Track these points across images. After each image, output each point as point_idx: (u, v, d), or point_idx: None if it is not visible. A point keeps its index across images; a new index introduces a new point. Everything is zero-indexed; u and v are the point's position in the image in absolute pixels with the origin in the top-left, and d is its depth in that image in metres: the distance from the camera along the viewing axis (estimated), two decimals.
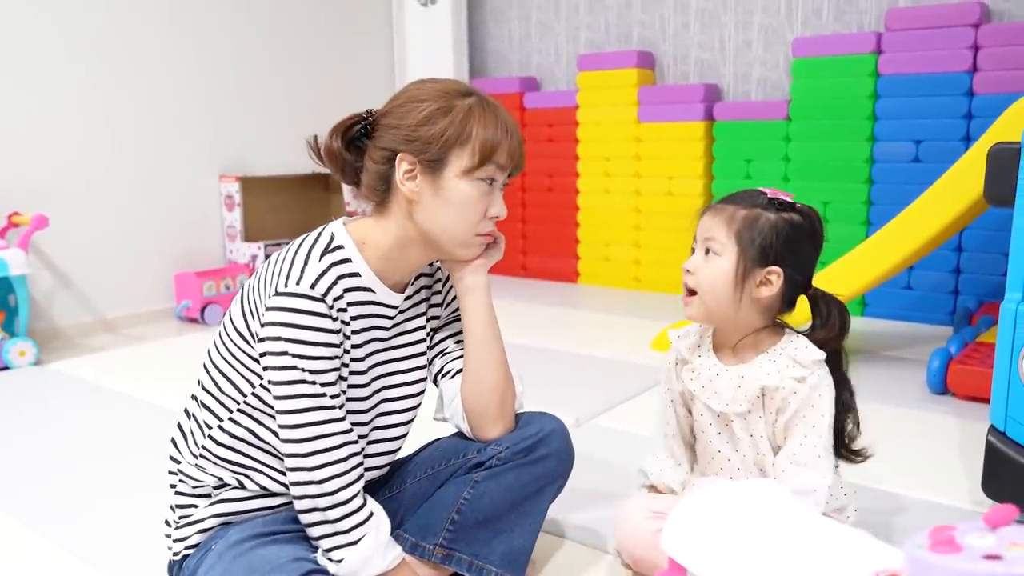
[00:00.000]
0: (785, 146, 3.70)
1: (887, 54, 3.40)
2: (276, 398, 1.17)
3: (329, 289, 1.17)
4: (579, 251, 4.47)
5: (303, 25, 4.33)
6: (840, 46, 3.50)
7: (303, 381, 1.15)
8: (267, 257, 3.81)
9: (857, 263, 2.76)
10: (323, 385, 1.17)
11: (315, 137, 1.30)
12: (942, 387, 2.46)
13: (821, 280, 2.60)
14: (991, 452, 1.64)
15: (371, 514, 1.22)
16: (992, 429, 1.65)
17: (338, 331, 1.18)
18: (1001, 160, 1.66)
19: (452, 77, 4.57)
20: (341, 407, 1.20)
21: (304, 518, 1.21)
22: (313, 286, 1.16)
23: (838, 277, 2.71)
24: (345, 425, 1.19)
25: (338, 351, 1.19)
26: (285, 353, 1.14)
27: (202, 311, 3.62)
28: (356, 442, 1.22)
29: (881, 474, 1.92)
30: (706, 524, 0.98)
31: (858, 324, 3.43)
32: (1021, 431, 1.60)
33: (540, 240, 4.62)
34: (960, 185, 2.49)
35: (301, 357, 1.14)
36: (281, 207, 4.16)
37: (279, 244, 3.92)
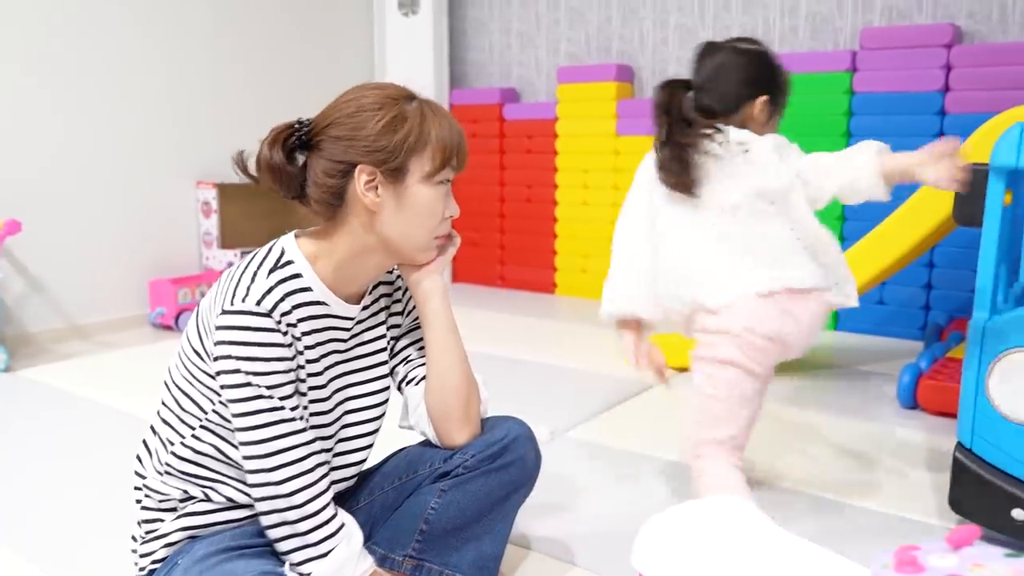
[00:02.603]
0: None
1: (862, 72, 3.45)
2: (235, 415, 1.16)
3: (276, 306, 1.16)
4: (557, 262, 4.49)
5: (283, 32, 4.33)
6: (816, 63, 3.54)
7: (260, 396, 1.14)
8: None
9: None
10: (281, 399, 1.16)
11: (240, 152, 1.27)
12: (912, 402, 2.49)
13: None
14: (958, 468, 1.66)
15: (342, 525, 1.22)
16: (959, 446, 1.67)
17: (289, 345, 1.17)
18: (972, 180, 1.68)
19: (433, 87, 4.60)
20: (302, 419, 1.19)
21: (272, 533, 1.20)
22: (259, 303, 1.14)
23: None
24: (308, 436, 1.19)
25: (292, 364, 1.18)
26: (238, 371, 1.13)
27: (176, 318, 3.60)
28: (321, 452, 1.21)
29: (850, 489, 1.94)
30: (677, 541, 0.99)
31: (831, 338, 3.46)
32: (987, 448, 1.62)
33: (518, 251, 4.63)
34: (931, 203, 2.53)
35: (255, 373, 1.14)
36: (258, 214, 4.13)
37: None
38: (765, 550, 0.93)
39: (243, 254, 3.86)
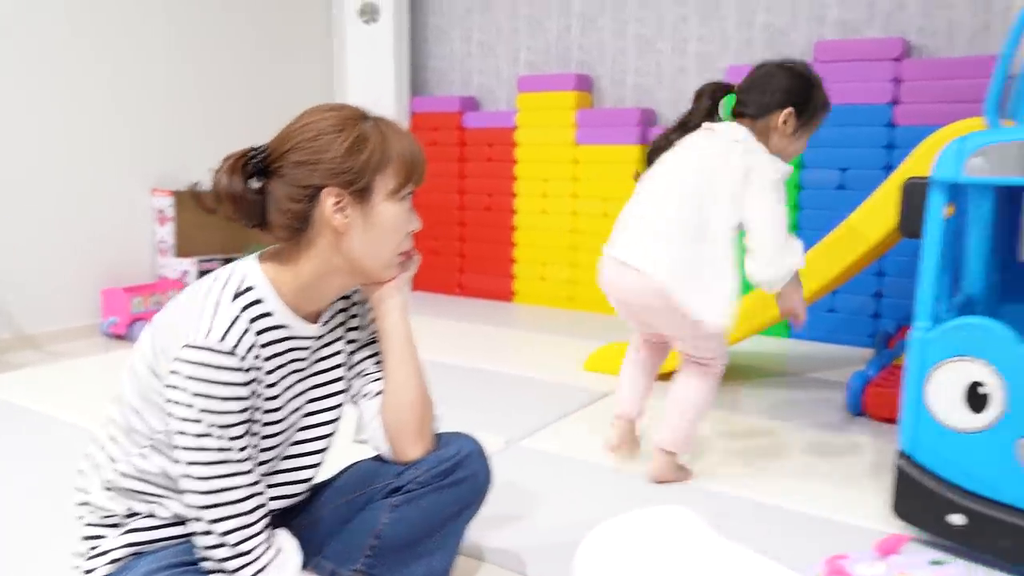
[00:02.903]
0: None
1: None
2: (181, 449, 1.14)
3: (241, 338, 1.15)
4: (515, 271, 4.50)
5: (240, 39, 4.29)
6: None
7: (209, 435, 1.13)
8: (200, 273, 3.76)
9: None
10: (231, 439, 1.15)
11: (193, 185, 1.28)
12: (860, 409, 2.54)
13: (748, 301, 2.67)
14: (900, 475, 1.70)
15: (276, 554, 1.21)
16: (900, 453, 1.71)
17: (249, 382, 1.16)
18: (913, 194, 1.72)
19: (393, 94, 4.60)
20: (249, 458, 1.18)
21: (203, 563, 1.19)
22: (224, 338, 1.13)
23: (765, 298, 2.77)
24: (252, 478, 1.18)
25: (249, 402, 1.17)
26: (191, 407, 1.12)
27: (129, 327, 3.55)
28: (262, 493, 1.20)
29: (796, 495, 1.97)
30: (617, 551, 1.00)
31: (784, 346, 3.51)
32: (927, 455, 1.66)
33: (477, 259, 4.64)
34: (878, 214, 2.58)
35: (209, 412, 1.12)
36: (215, 222, 4.06)
37: (212, 260, 3.87)
38: (703, 558, 0.95)
39: (200, 263, 3.82)
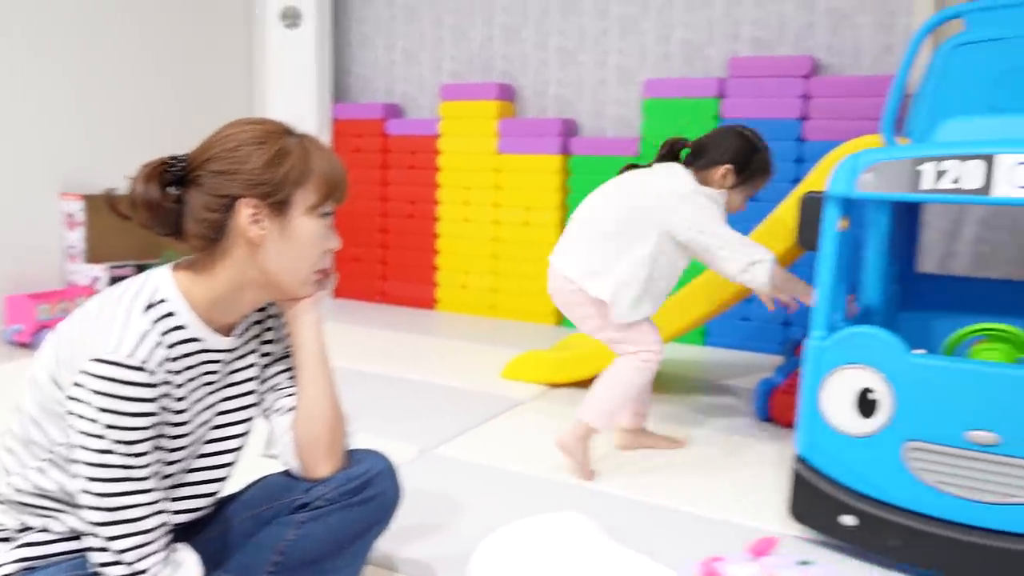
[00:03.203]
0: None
1: (729, 99, 3.61)
2: (81, 464, 1.11)
3: (151, 353, 1.13)
4: (438, 278, 4.50)
5: (157, 39, 4.20)
6: (687, 89, 3.69)
7: (111, 452, 1.10)
8: (112, 280, 3.66)
9: (696, 294, 2.89)
10: (134, 456, 1.12)
11: (109, 191, 1.26)
12: (767, 415, 2.61)
13: (662, 310, 2.72)
14: (796, 479, 1.76)
15: (174, 571, 1.19)
16: (797, 458, 1.77)
17: (158, 398, 1.14)
18: (809, 208, 1.79)
19: (315, 100, 4.56)
20: (153, 476, 1.16)
21: None
22: (133, 352, 1.12)
23: (678, 306, 2.84)
24: (154, 495, 1.16)
25: (156, 418, 1.15)
26: (96, 422, 1.09)
27: (35, 335, 3.43)
28: (163, 511, 1.18)
29: (699, 499, 2.02)
30: (509, 558, 1.02)
31: (699, 353, 3.60)
32: (823, 459, 1.72)
33: (399, 267, 4.63)
34: (783, 226, 2.67)
35: (114, 428, 1.10)
36: (130, 228, 3.96)
37: (125, 267, 3.77)
38: (588, 562, 0.97)
39: (112, 269, 3.72)
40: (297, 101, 4.55)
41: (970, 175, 1.55)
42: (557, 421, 2.60)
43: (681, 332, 2.84)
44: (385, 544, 1.65)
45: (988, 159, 1.54)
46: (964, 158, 1.56)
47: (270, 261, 1.25)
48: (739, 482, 2.14)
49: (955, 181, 1.57)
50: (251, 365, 1.37)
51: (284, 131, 1.27)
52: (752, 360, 3.50)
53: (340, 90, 4.89)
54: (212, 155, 1.22)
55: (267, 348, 1.41)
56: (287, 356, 1.42)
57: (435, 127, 4.40)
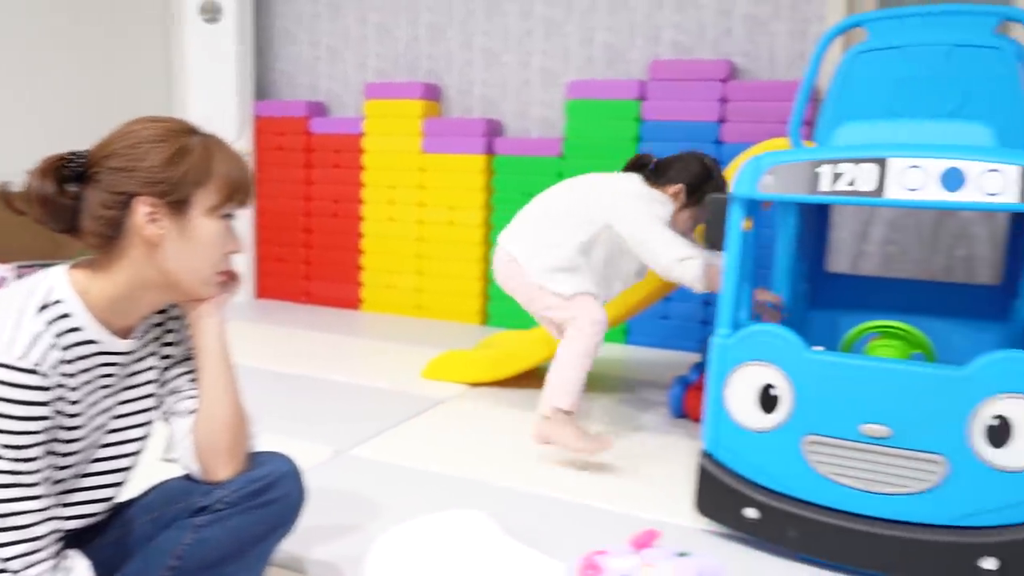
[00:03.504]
0: (559, 181, 3.87)
1: (649, 101, 3.67)
2: None
3: (45, 355, 1.10)
4: (363, 278, 4.47)
5: (68, 31, 4.08)
6: (609, 91, 3.74)
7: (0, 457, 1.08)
8: (20, 279, 3.53)
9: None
10: (23, 461, 1.09)
11: (3, 184, 1.22)
12: (681, 412, 2.66)
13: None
14: (702, 473, 1.80)
15: None
16: (703, 452, 1.81)
17: (51, 401, 1.11)
18: (715, 208, 1.83)
19: (236, 97, 4.48)
20: (40, 482, 1.12)
21: None
22: (26, 355, 1.08)
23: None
24: (43, 502, 1.12)
25: (48, 422, 1.12)
26: None
27: None
28: (53, 517, 1.15)
29: (610, 495, 2.05)
30: (401, 557, 1.02)
31: (621, 352, 3.64)
32: (726, 453, 1.77)
33: (324, 266, 4.58)
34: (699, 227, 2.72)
35: (3, 432, 1.06)
36: (38, 226, 3.86)
37: (33, 266, 3.64)
38: (480, 560, 0.98)
39: (18, 268, 3.59)
40: (218, 97, 4.46)
41: (864, 178, 1.61)
42: (476, 420, 2.62)
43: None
44: (292, 546, 1.64)
45: (881, 162, 1.60)
46: (859, 161, 1.62)
47: (169, 261, 1.23)
48: (650, 477, 2.18)
49: (851, 183, 1.62)
50: (151, 368, 1.35)
51: (187, 130, 1.26)
52: (672, 358, 3.56)
53: (262, 87, 4.82)
54: (111, 151, 1.20)
55: (168, 351, 1.38)
56: (189, 359, 1.39)
57: (359, 126, 4.37)
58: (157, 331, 1.37)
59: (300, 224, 4.59)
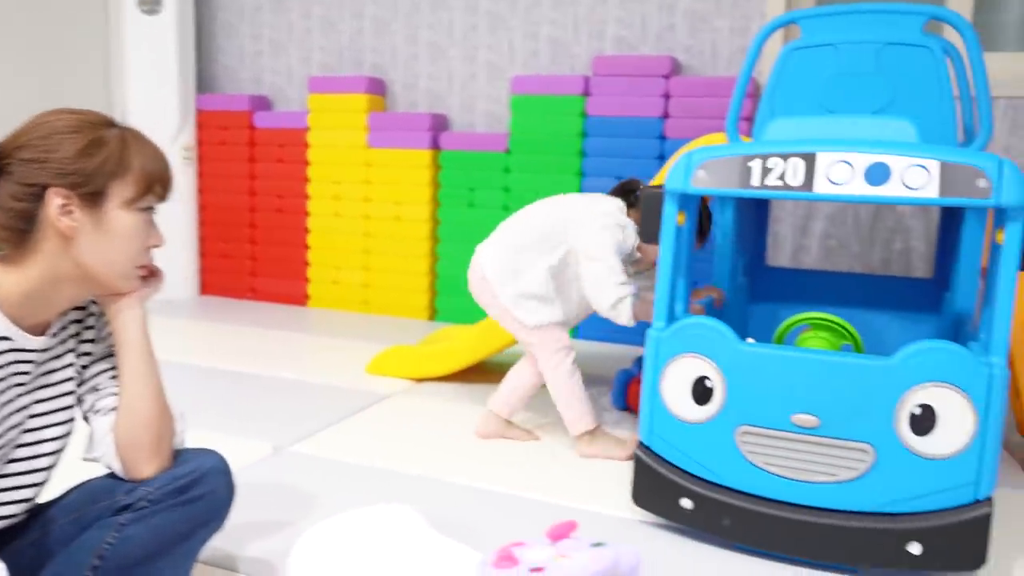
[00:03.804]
0: (505, 177, 3.89)
1: (594, 96, 3.69)
2: None
3: None
4: (309, 274, 4.42)
5: (3, 23, 3.96)
6: (553, 86, 3.75)
7: None
8: None
9: None
10: None
11: None
12: (623, 404, 2.69)
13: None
14: (639, 465, 1.82)
15: None
16: (640, 444, 1.83)
17: None
18: (650, 202, 1.85)
19: (177, 90, 4.40)
20: None
21: None
22: None
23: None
24: None
25: None
26: None
27: None
28: None
29: (553, 488, 2.06)
30: (325, 553, 1.02)
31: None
32: (662, 445, 1.79)
33: (269, 262, 4.53)
34: None
35: None
36: None
37: None
38: (400, 553, 0.98)
39: None
40: (158, 91, 4.38)
41: (793, 172, 1.64)
42: (419, 416, 2.61)
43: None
44: (225, 543, 1.62)
45: (809, 157, 1.62)
46: (787, 156, 1.64)
47: (84, 255, 1.21)
48: (590, 469, 2.20)
49: (780, 177, 1.65)
50: (69, 365, 1.32)
51: (104, 122, 1.24)
52: (617, 351, 3.58)
53: (204, 81, 4.74)
54: (23, 143, 1.19)
55: (86, 348, 1.35)
56: (109, 356, 1.37)
57: (304, 120, 4.32)
58: (75, 328, 1.34)
59: (245, 219, 4.53)
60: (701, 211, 2.35)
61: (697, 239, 2.38)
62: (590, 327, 3.75)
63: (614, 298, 2.15)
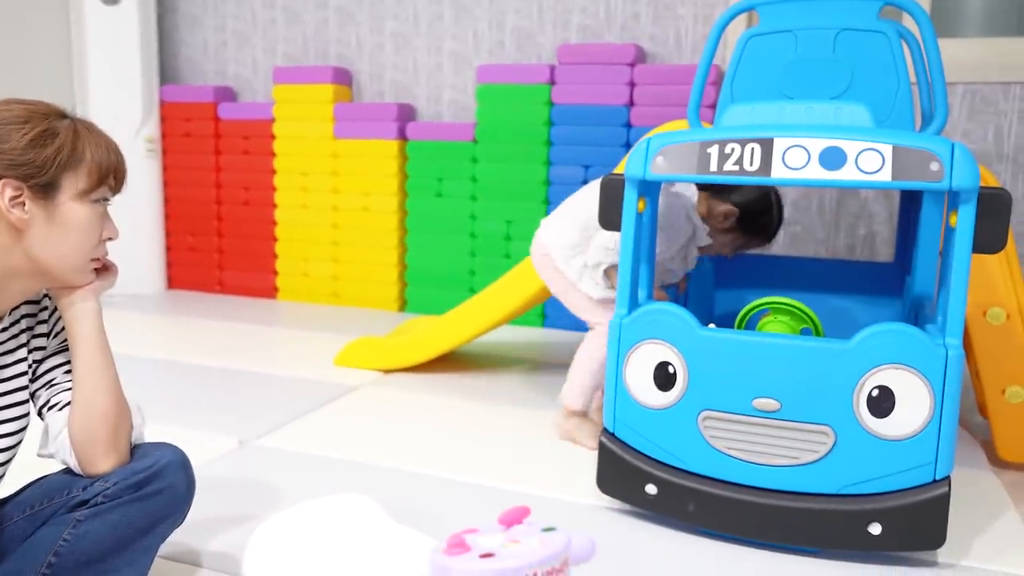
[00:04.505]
0: (473, 167, 3.88)
1: (559, 85, 3.68)
2: None
3: None
4: (278, 266, 4.39)
5: None
6: (519, 75, 3.74)
7: None
8: None
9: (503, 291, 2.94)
10: None
11: None
12: None
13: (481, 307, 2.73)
14: (603, 451, 1.83)
15: None
16: (604, 431, 1.84)
17: None
18: (610, 189, 1.85)
19: (140, 82, 4.34)
20: None
21: None
22: None
23: (487, 303, 2.88)
24: None
25: None
26: None
27: None
28: None
29: (517, 476, 2.07)
30: (282, 544, 1.01)
31: (536, 335, 3.67)
32: (626, 431, 1.80)
33: (237, 255, 4.49)
34: None
35: None
36: None
37: None
38: (355, 542, 0.98)
39: None
40: (121, 82, 4.32)
41: (751, 157, 1.65)
42: (387, 407, 2.61)
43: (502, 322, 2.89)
44: (186, 538, 1.61)
45: (766, 142, 1.63)
46: (745, 142, 1.65)
47: (37, 247, 1.20)
48: (558, 458, 2.20)
49: (738, 163, 1.66)
50: (21, 360, 1.30)
51: (55, 113, 1.23)
52: None
53: (168, 72, 4.68)
54: None
55: (39, 342, 1.34)
56: (64, 350, 1.35)
57: (269, 111, 4.28)
58: (28, 322, 1.32)
59: (211, 212, 4.49)
60: (768, 207, 2.34)
61: (759, 238, 2.40)
62: (561, 316, 3.77)
63: (594, 300, 2.26)
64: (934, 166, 1.52)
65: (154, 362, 3.05)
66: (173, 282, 4.63)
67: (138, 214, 4.36)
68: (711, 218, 2.33)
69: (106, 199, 1.28)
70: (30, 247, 1.20)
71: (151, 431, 1.42)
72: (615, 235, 2.11)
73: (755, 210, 2.34)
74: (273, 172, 4.32)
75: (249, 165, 4.38)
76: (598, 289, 2.26)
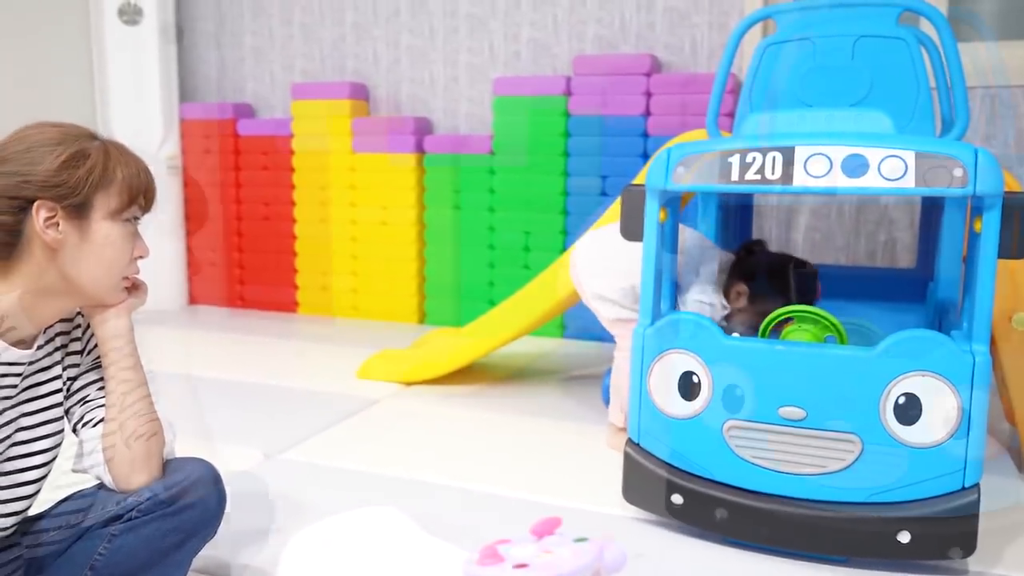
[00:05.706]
0: (490, 178, 3.90)
1: (576, 96, 3.69)
2: None
3: None
4: (298, 280, 4.42)
5: None
6: (535, 87, 3.76)
7: None
8: None
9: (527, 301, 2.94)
10: None
11: None
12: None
13: (505, 313, 2.73)
14: (629, 462, 1.83)
15: None
16: (629, 441, 1.84)
17: None
18: (632, 200, 1.86)
19: (160, 100, 4.39)
20: None
21: None
22: None
23: (515, 311, 2.89)
24: None
25: None
26: None
27: None
28: None
29: (547, 488, 2.07)
30: (316, 555, 1.02)
31: (557, 345, 3.67)
32: (652, 442, 1.80)
33: (257, 270, 4.52)
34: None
35: None
36: None
37: None
38: (389, 554, 0.98)
39: None
40: (141, 101, 4.37)
41: (773, 166, 1.65)
42: (409, 419, 2.62)
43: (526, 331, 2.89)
44: (218, 551, 1.62)
45: (787, 151, 1.64)
46: (766, 150, 1.65)
47: (70, 267, 1.22)
48: (582, 468, 2.20)
49: (759, 172, 1.66)
50: (56, 377, 1.32)
51: (86, 135, 1.26)
52: (609, 350, 3.58)
53: (187, 90, 4.73)
54: (5, 156, 1.20)
55: (73, 360, 1.36)
56: (97, 367, 1.37)
57: (288, 127, 4.32)
58: (62, 340, 1.34)
59: (231, 228, 4.52)
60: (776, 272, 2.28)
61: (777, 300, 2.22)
62: (580, 326, 3.77)
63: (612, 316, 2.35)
64: (958, 172, 1.52)
65: (177, 377, 3.07)
66: (194, 298, 4.66)
67: (159, 231, 4.40)
68: (730, 302, 2.27)
69: (136, 218, 1.30)
70: (64, 266, 1.22)
71: (178, 445, 1.44)
72: (707, 288, 2.17)
73: (763, 279, 2.28)
74: (292, 187, 4.36)
75: (268, 180, 4.41)
76: (612, 309, 2.32)
